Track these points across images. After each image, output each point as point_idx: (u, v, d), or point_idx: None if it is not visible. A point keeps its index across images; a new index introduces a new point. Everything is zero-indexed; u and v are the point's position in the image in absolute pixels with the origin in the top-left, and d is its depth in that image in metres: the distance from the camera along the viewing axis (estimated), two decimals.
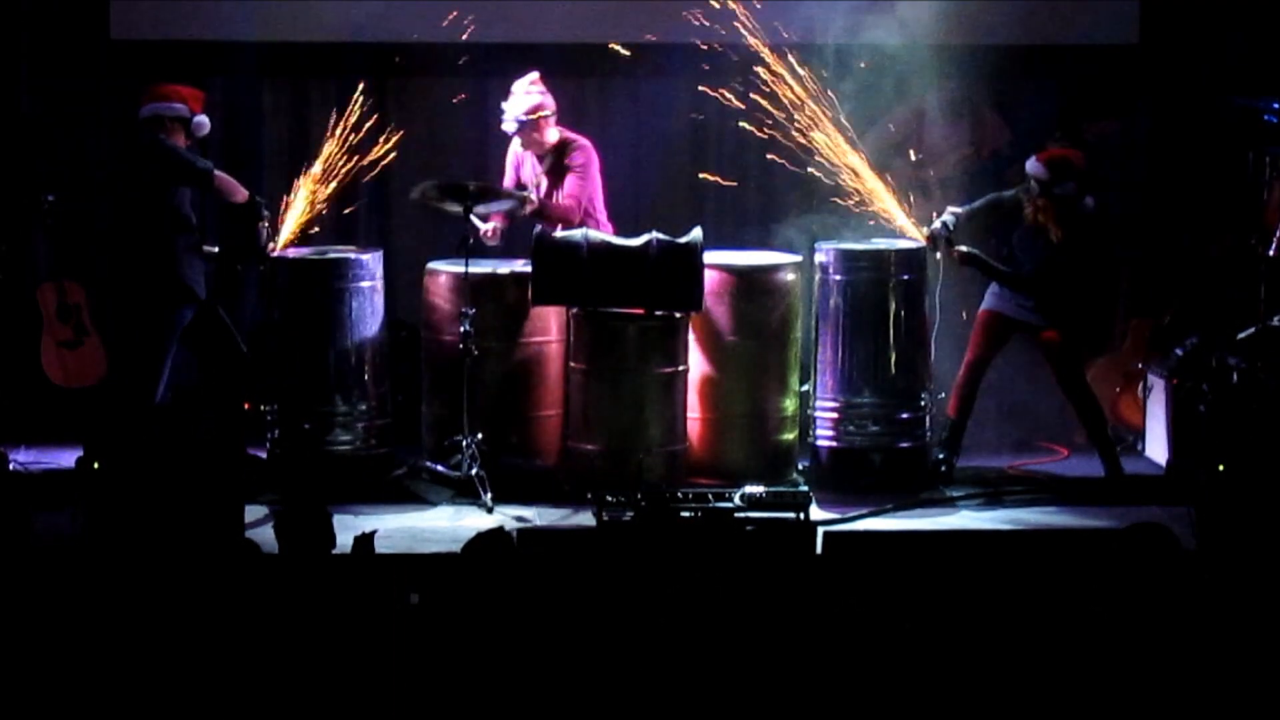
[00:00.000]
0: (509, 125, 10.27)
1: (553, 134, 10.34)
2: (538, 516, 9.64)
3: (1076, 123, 11.30)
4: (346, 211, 11.03)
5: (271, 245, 10.01)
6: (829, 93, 10.35)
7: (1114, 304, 11.56)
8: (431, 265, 10.32)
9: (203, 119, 9.84)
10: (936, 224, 10.17)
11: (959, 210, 10.25)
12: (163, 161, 9.74)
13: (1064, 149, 10.25)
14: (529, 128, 10.26)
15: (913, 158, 11.13)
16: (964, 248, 10.15)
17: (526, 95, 10.26)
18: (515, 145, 10.42)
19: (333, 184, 10.24)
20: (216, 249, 10.03)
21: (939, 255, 10.16)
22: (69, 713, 6.31)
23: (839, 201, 10.32)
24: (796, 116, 10.29)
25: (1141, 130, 11.62)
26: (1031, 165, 10.09)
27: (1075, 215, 10.07)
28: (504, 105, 10.30)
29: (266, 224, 9.95)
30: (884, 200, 10.23)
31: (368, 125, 10.36)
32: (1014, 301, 10.20)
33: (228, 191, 9.85)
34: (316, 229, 10.32)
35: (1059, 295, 10.13)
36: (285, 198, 10.17)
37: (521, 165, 10.46)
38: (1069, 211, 10.05)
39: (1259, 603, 6.63)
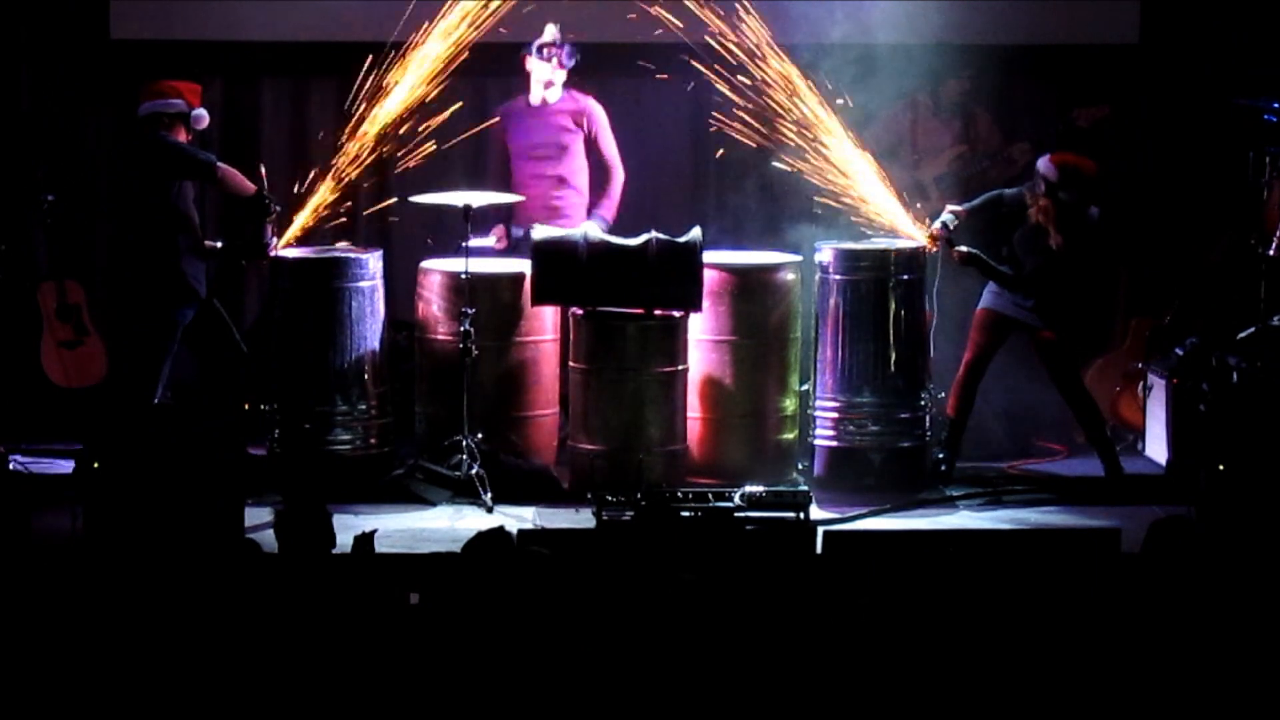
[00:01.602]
0: (569, 55, 10.48)
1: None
2: (538, 516, 9.65)
3: (1069, 109, 11.29)
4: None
5: (276, 240, 10.00)
6: (825, 92, 10.36)
7: (1114, 304, 11.56)
8: (425, 264, 10.34)
9: (201, 112, 9.84)
10: (936, 223, 10.17)
11: (959, 208, 10.25)
12: (166, 157, 9.74)
13: (1078, 156, 10.20)
14: (570, 60, 10.50)
15: (908, 156, 11.14)
16: (964, 247, 10.14)
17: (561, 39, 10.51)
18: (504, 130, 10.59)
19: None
20: (219, 244, 10.02)
21: (939, 254, 10.16)
22: (69, 713, 6.31)
23: (831, 204, 10.34)
24: (794, 115, 10.30)
25: (1140, 129, 11.61)
26: (1043, 164, 10.07)
27: (1078, 222, 10.06)
28: (549, 35, 10.48)
29: (274, 219, 9.94)
30: (882, 201, 10.23)
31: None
32: (1012, 301, 10.19)
33: (234, 185, 9.82)
34: (334, 222, 10.33)
35: (1056, 298, 10.12)
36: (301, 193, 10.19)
37: (519, 128, 10.54)
38: (1071, 217, 10.04)
39: (1260, 601, 6.64)
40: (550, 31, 10.51)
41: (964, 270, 10.25)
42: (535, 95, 10.56)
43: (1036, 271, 10.10)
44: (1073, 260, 10.09)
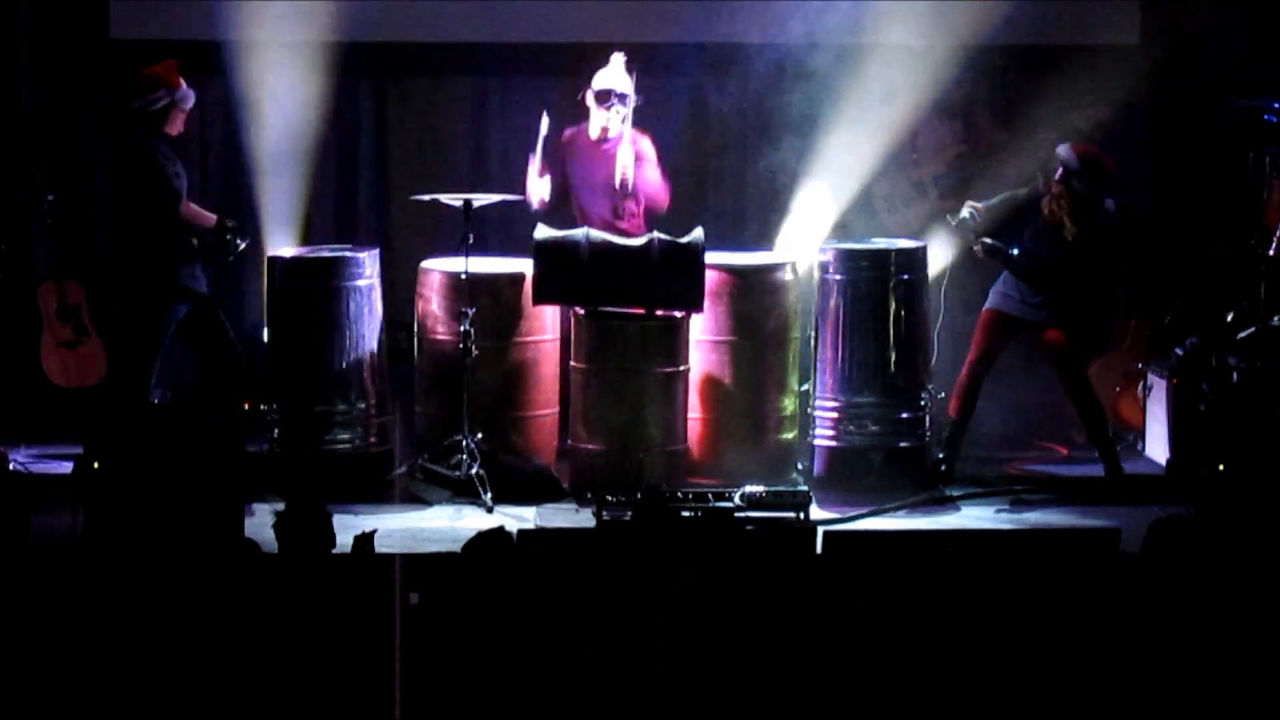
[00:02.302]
0: (625, 100, 10.18)
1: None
2: (538, 516, 9.65)
3: (1068, 111, 11.28)
4: None
5: (240, 244, 10.00)
6: (825, 91, 10.38)
7: (1115, 304, 11.54)
8: (425, 264, 10.33)
9: (187, 91, 9.87)
10: (965, 213, 10.10)
11: (979, 205, 10.19)
12: (144, 171, 9.78)
13: (1099, 150, 10.18)
14: (629, 104, 10.22)
15: (908, 156, 11.15)
16: (988, 240, 10.08)
17: (629, 75, 10.20)
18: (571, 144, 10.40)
19: None
20: (195, 241, 10.04)
21: (956, 244, 10.12)
22: (69, 713, 6.31)
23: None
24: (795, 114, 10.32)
25: (1140, 129, 11.61)
26: (1064, 151, 10.01)
27: (1093, 214, 10.02)
28: (610, 81, 10.19)
29: (235, 241, 9.94)
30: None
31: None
32: (1020, 300, 10.16)
33: (197, 222, 9.90)
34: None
35: (1070, 293, 10.08)
36: None
37: (578, 159, 10.39)
38: (1086, 209, 10.00)
39: (1260, 601, 6.64)
40: (609, 75, 10.21)
41: (972, 269, 10.22)
42: (594, 131, 10.35)
43: (1053, 265, 10.05)
44: (1088, 252, 10.04)
